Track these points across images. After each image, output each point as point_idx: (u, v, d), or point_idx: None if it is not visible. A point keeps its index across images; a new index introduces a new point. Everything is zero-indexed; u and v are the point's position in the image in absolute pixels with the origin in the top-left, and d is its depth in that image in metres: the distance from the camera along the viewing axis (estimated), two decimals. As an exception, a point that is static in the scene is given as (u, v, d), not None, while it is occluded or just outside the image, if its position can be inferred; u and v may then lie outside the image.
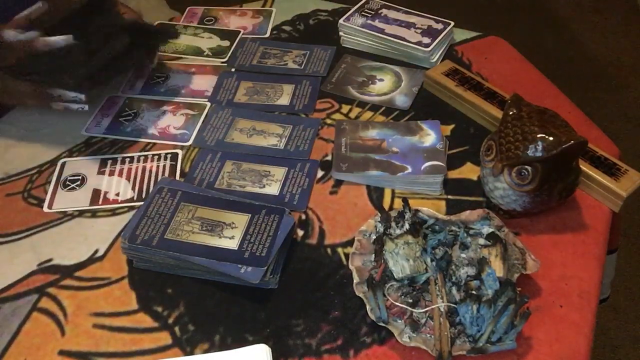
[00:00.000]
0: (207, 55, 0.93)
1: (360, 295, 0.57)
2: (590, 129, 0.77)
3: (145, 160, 0.76)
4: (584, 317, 0.58)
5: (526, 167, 0.60)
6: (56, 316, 0.60)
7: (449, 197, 0.70)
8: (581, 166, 0.66)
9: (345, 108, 0.83)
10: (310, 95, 0.85)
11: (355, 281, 0.58)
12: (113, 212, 0.70)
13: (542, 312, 0.58)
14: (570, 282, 0.61)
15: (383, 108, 0.83)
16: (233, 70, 0.90)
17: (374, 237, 0.62)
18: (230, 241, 0.62)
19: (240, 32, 0.97)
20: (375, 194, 0.71)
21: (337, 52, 0.93)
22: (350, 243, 0.65)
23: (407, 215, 0.62)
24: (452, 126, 0.80)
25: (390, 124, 0.79)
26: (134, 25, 0.81)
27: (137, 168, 0.75)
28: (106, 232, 0.68)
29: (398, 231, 0.62)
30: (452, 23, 0.92)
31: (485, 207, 0.65)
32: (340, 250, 0.65)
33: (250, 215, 0.65)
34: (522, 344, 0.56)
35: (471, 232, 0.61)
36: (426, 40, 0.89)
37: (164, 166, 0.75)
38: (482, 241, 0.60)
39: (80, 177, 0.74)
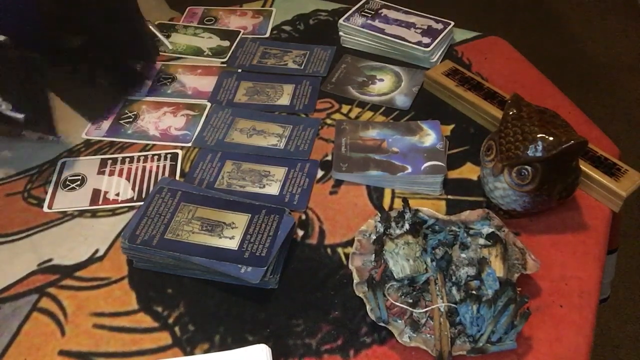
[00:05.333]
0: (207, 55, 0.93)
1: (360, 295, 0.57)
2: (590, 129, 0.77)
3: (145, 160, 0.76)
4: (584, 317, 0.58)
5: (526, 167, 0.60)
6: (56, 316, 0.60)
7: (449, 197, 0.70)
8: (581, 166, 0.66)
9: (345, 108, 0.83)
10: (310, 95, 0.85)
11: (355, 281, 0.58)
12: (113, 212, 0.70)
13: (542, 312, 0.58)
14: (570, 282, 0.61)
15: (383, 108, 0.83)
16: (239, 70, 0.90)
17: (374, 237, 0.62)
18: (230, 241, 0.62)
19: (240, 32, 0.97)
20: (375, 194, 0.71)
21: (337, 52, 0.93)
22: (350, 243, 0.65)
23: (407, 215, 0.62)
24: (452, 126, 0.80)
25: (390, 124, 0.79)
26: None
27: (137, 168, 0.75)
28: (106, 232, 0.68)
29: (398, 231, 0.62)
30: (452, 23, 0.92)
31: (485, 207, 0.65)
32: (340, 250, 0.65)
33: (250, 215, 0.65)
34: (522, 344, 0.56)
35: (471, 232, 0.61)
36: (426, 40, 0.89)
37: (164, 166, 0.75)
38: (482, 241, 0.60)
39: (80, 177, 0.74)
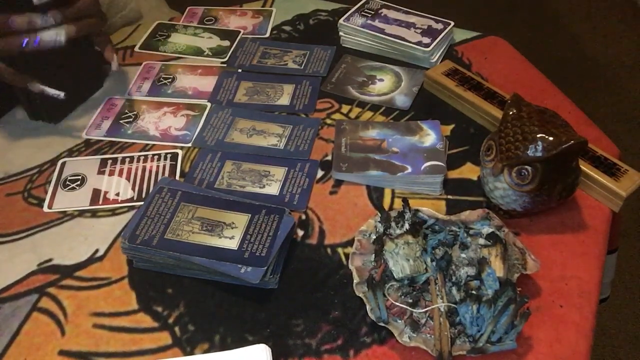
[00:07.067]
0: (207, 55, 0.93)
1: (360, 295, 0.57)
2: (590, 129, 0.77)
3: (145, 160, 0.76)
4: (584, 317, 0.58)
5: (526, 167, 0.60)
6: (56, 316, 0.60)
7: (449, 197, 0.70)
8: (581, 166, 0.66)
9: (345, 108, 0.83)
10: (310, 95, 0.85)
11: (355, 281, 0.58)
12: (113, 212, 0.70)
13: (542, 312, 0.58)
14: (570, 282, 0.61)
15: (383, 108, 0.83)
16: (239, 70, 0.90)
17: (374, 237, 0.62)
18: (230, 241, 0.62)
19: (240, 32, 0.98)
20: (375, 194, 0.71)
21: (337, 52, 0.93)
22: (350, 243, 0.65)
23: (407, 215, 0.62)
24: (452, 126, 0.80)
25: (390, 124, 0.79)
26: None
27: (137, 168, 0.75)
28: (106, 232, 0.68)
29: (398, 231, 0.62)
30: (452, 23, 0.92)
31: (485, 207, 0.65)
32: (340, 250, 0.65)
33: (250, 215, 0.65)
34: (522, 344, 0.56)
35: (471, 232, 0.61)
36: (426, 40, 0.89)
37: (164, 166, 0.75)
38: (482, 241, 0.60)
39: (80, 177, 0.74)
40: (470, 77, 0.83)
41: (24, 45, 0.72)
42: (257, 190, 0.71)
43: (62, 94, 0.76)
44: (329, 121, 0.81)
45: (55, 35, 0.73)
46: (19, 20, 0.70)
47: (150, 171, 0.75)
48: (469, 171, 0.73)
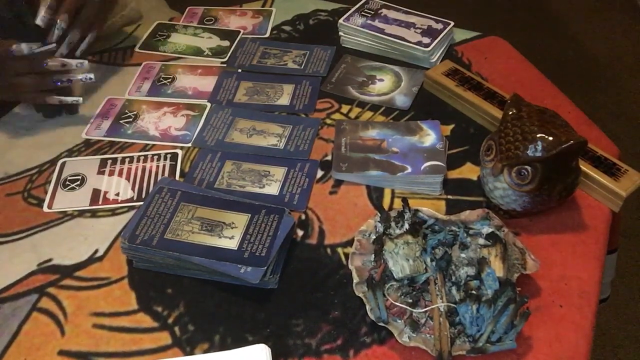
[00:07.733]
0: (207, 55, 0.93)
1: (360, 295, 0.57)
2: (590, 129, 0.77)
3: (145, 160, 0.76)
4: (584, 317, 0.58)
5: (526, 167, 0.60)
6: (56, 316, 0.60)
7: (449, 197, 0.70)
8: (581, 166, 0.66)
9: (345, 108, 0.83)
10: (310, 95, 0.85)
11: (355, 281, 0.58)
12: (113, 212, 0.70)
13: (542, 312, 0.58)
14: (570, 282, 0.61)
15: (383, 108, 0.83)
16: (239, 70, 0.90)
17: (373, 237, 0.62)
18: (230, 241, 0.62)
19: (240, 32, 0.98)
20: (375, 194, 0.71)
21: (337, 52, 0.93)
22: (350, 243, 0.65)
23: (407, 215, 0.62)
24: (452, 126, 0.80)
25: (390, 124, 0.79)
26: None
27: (137, 168, 0.75)
28: (106, 232, 0.68)
29: (398, 231, 0.62)
30: (452, 23, 0.92)
31: (485, 207, 0.65)
32: (340, 250, 0.65)
33: (250, 215, 0.65)
34: (522, 344, 0.56)
35: (471, 232, 0.61)
36: (426, 40, 0.89)
37: (164, 166, 0.75)
38: (481, 241, 0.60)
39: (80, 177, 0.74)
40: (470, 77, 0.83)
41: (57, 84, 0.78)
42: (257, 190, 0.71)
43: (80, 99, 0.80)
44: (328, 121, 0.81)
45: (86, 75, 0.79)
46: (51, 63, 0.75)
47: (150, 171, 0.75)
48: (468, 171, 0.73)
